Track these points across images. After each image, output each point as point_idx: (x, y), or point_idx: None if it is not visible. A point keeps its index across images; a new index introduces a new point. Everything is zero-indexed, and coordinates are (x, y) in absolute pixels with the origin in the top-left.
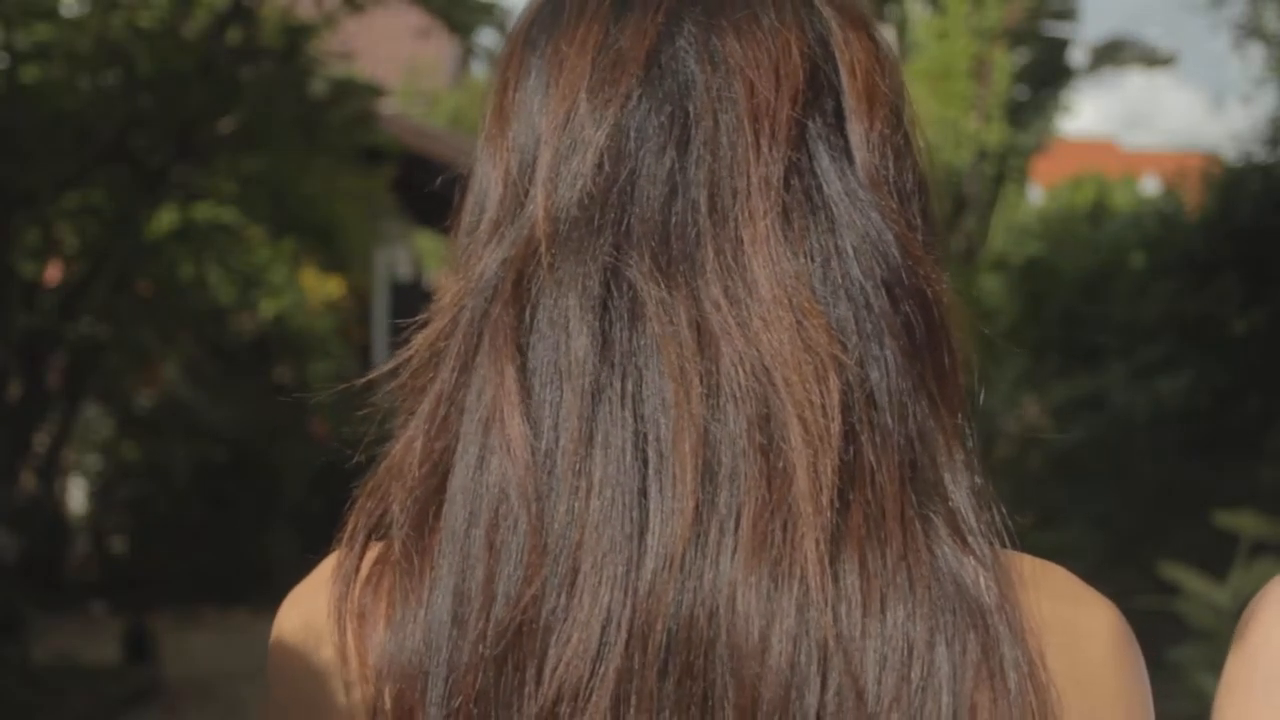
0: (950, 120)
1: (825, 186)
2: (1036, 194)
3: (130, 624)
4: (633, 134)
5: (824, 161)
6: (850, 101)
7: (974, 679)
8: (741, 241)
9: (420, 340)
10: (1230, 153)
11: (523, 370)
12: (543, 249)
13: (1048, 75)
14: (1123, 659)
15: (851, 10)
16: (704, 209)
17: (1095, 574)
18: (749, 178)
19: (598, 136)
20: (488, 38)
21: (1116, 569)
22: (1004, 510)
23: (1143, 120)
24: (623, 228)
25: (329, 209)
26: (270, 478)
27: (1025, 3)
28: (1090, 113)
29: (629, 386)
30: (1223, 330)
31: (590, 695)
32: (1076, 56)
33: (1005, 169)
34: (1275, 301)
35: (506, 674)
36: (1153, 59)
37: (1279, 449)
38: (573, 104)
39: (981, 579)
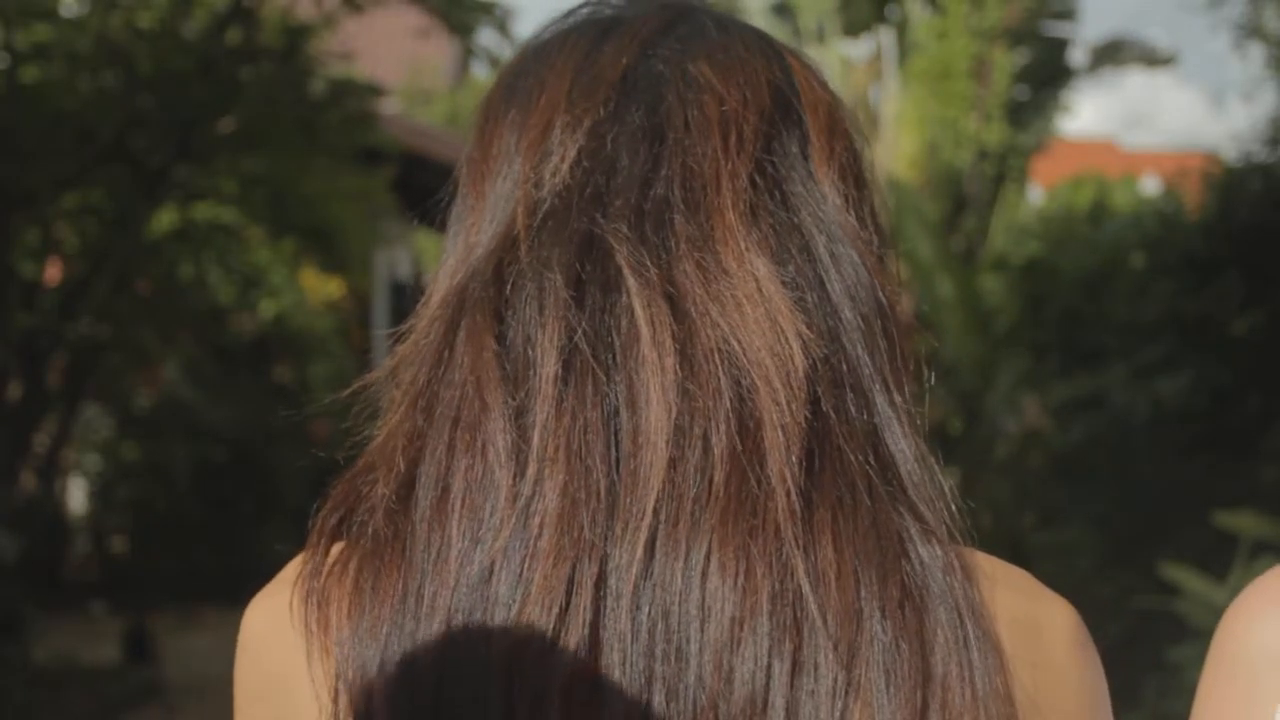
0: (950, 120)
1: (791, 197)
2: (1036, 194)
3: (130, 624)
4: (608, 137)
5: (790, 175)
6: (813, 134)
7: (942, 653)
8: (712, 230)
9: (408, 342)
10: (1230, 153)
11: (501, 341)
12: (521, 236)
13: (1048, 75)
14: (1083, 652)
15: (810, 63)
16: (677, 198)
17: (1095, 574)
18: (718, 176)
19: (575, 140)
20: (488, 38)
21: (1116, 569)
22: (958, 505)
23: (1143, 120)
24: (599, 211)
25: (329, 209)
26: (270, 478)
27: (1025, 3)
28: (1090, 113)
29: (602, 355)
30: (1223, 330)
31: (558, 638)
32: (1076, 56)
33: (1005, 169)
34: (1275, 301)
35: (472, 628)
36: (1153, 59)
37: (1279, 449)
38: (551, 116)
39: (943, 561)
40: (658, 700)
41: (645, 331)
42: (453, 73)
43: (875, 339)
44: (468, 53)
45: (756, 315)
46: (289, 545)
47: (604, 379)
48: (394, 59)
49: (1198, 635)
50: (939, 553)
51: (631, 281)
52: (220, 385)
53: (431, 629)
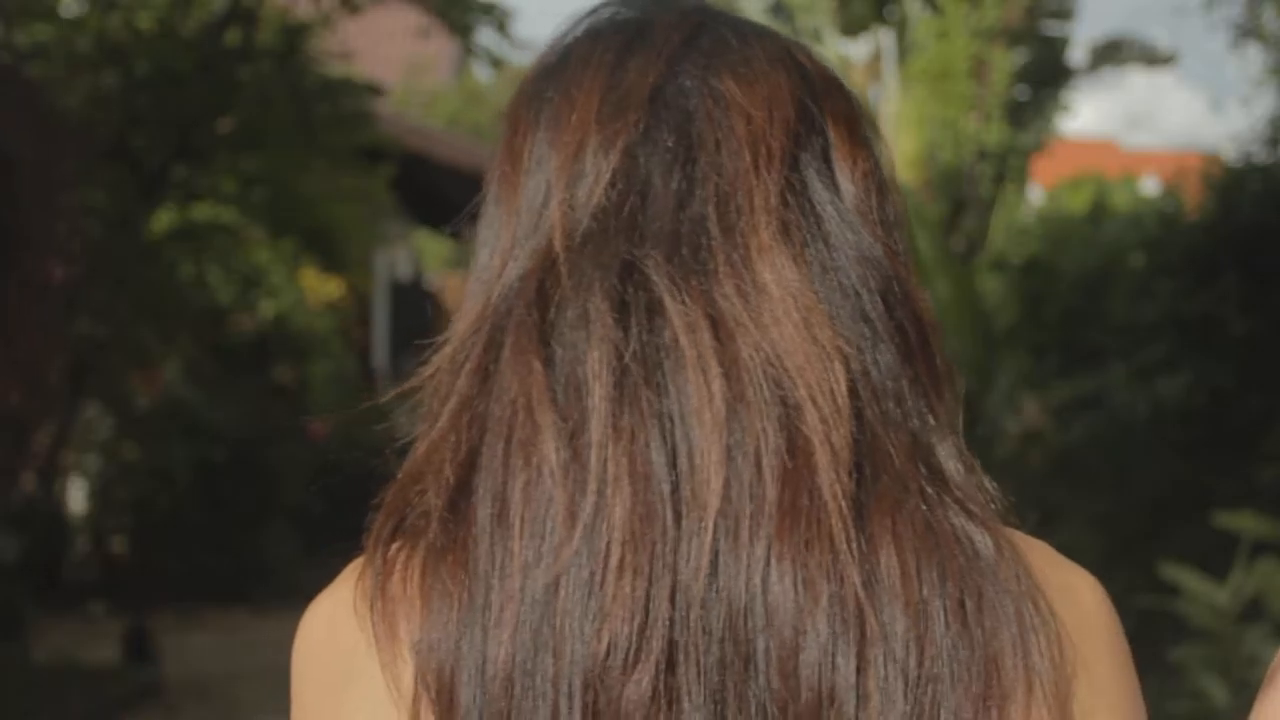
0: (950, 120)
1: (819, 208)
2: (1036, 194)
3: (130, 624)
4: (641, 157)
5: (816, 187)
6: (835, 142)
7: (998, 634)
8: (748, 250)
9: (442, 355)
10: (1230, 153)
11: (548, 364)
12: (561, 259)
13: (1047, 75)
14: (1112, 614)
15: (829, 70)
16: (713, 220)
17: (1095, 574)
18: (751, 195)
19: (609, 160)
20: (487, 38)
21: (1116, 569)
22: (997, 496)
23: (1143, 120)
24: (636, 234)
25: (328, 209)
26: (270, 478)
27: (1023, 2)
28: (1090, 113)
29: (652, 376)
30: (1223, 330)
31: (639, 652)
32: (1076, 56)
33: (1005, 169)
34: (1275, 301)
35: (541, 641)
36: (1153, 59)
37: (1279, 449)
38: (583, 136)
39: (995, 549)
40: (731, 709)
41: (690, 355)
42: (453, 73)
43: (910, 345)
44: (467, 53)
45: (796, 333)
46: (290, 547)
47: (656, 400)
48: (394, 59)
49: (1198, 635)
50: (990, 541)
51: (671, 307)
52: (220, 385)
53: (499, 640)
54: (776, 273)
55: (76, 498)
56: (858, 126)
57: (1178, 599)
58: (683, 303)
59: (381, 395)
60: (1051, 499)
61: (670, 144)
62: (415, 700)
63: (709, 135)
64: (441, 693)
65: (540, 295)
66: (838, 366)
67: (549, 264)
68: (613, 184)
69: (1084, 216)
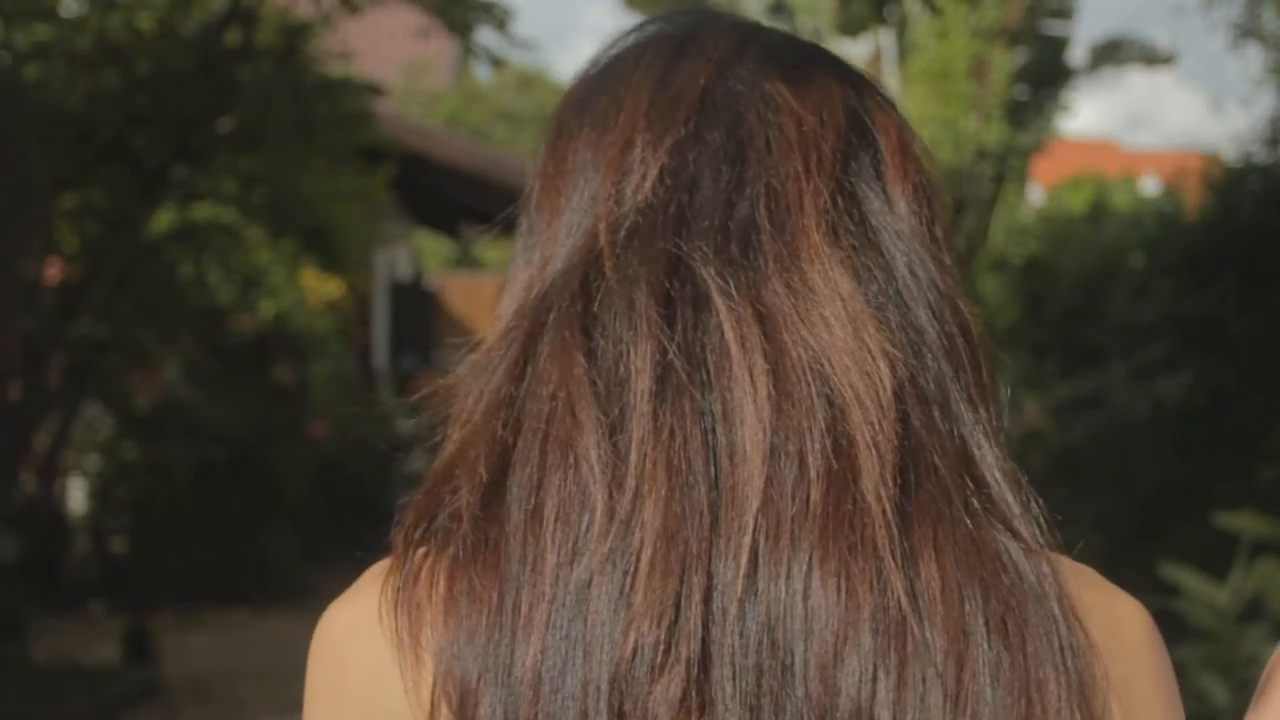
0: (950, 120)
1: (869, 216)
2: (1036, 194)
3: (130, 624)
4: (690, 156)
5: (868, 196)
6: (886, 154)
7: (1041, 659)
8: (797, 249)
9: (480, 351)
10: (1230, 153)
11: (590, 357)
12: (605, 254)
13: (1047, 75)
14: (1157, 644)
15: (877, 84)
16: (763, 217)
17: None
18: (801, 196)
19: (657, 158)
20: (487, 37)
21: (1116, 569)
22: (1044, 512)
23: (1143, 120)
24: (684, 231)
25: (328, 209)
26: (270, 478)
27: (1023, 2)
28: (1090, 113)
29: (697, 372)
30: (1222, 330)
31: (668, 653)
32: (1076, 56)
33: (1005, 169)
34: (1275, 301)
35: (572, 641)
36: (1153, 58)
37: (1279, 449)
38: (631, 134)
39: (1037, 571)
40: (766, 714)
41: (736, 351)
42: (452, 72)
43: (959, 356)
44: (467, 52)
45: (844, 334)
46: (290, 547)
47: (699, 396)
48: (394, 59)
49: (1198, 635)
50: (1033, 563)
51: (719, 302)
52: (220, 385)
53: (529, 641)
54: (825, 273)
55: (76, 498)
56: (909, 141)
57: (1178, 599)
58: (730, 298)
59: (389, 396)
60: (1051, 499)
61: (719, 143)
62: (434, 710)
63: (759, 136)
64: (465, 699)
65: (584, 289)
66: (884, 369)
67: (593, 259)
68: (660, 181)
69: (1084, 216)
